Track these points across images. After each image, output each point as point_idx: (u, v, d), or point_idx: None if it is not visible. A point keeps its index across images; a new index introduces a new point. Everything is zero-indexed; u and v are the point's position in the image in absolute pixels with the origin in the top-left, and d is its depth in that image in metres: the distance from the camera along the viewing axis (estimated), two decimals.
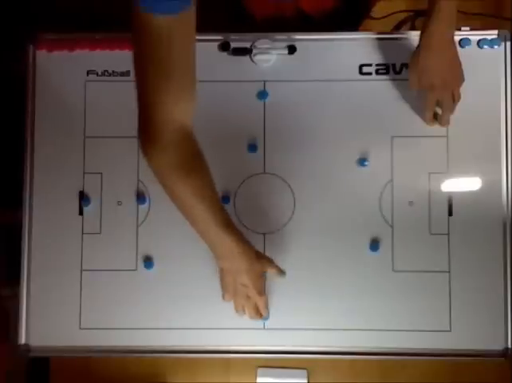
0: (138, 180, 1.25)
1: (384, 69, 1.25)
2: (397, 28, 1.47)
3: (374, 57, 1.26)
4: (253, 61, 1.26)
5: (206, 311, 1.22)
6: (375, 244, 1.22)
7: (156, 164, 0.99)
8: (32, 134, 1.26)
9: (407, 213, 1.23)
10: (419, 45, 1.15)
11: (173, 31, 0.86)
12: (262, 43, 1.26)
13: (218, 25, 1.27)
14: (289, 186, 1.25)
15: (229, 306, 1.18)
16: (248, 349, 1.23)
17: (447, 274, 1.22)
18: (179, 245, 1.23)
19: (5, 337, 1.37)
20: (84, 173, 1.26)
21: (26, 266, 1.24)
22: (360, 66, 1.25)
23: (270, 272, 1.15)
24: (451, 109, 1.20)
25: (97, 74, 1.27)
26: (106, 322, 1.24)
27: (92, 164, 1.26)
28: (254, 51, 1.25)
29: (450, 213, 1.22)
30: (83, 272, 1.24)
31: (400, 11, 1.48)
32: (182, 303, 1.23)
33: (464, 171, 1.24)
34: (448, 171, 1.23)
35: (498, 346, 1.20)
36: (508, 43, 1.24)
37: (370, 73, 1.25)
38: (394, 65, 1.25)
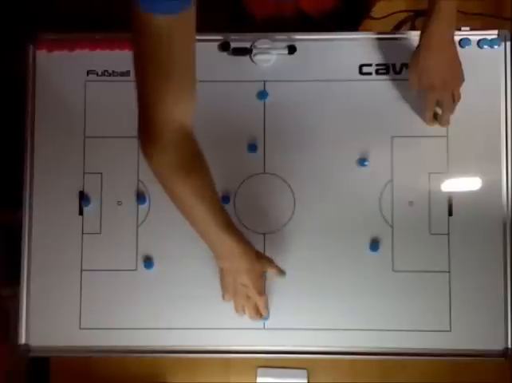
0: (138, 180, 1.25)
1: (384, 69, 1.25)
2: (397, 28, 1.47)
3: (374, 57, 1.26)
4: (253, 61, 1.26)
5: (206, 311, 1.22)
6: (375, 244, 1.22)
7: (156, 164, 0.99)
8: (32, 134, 1.26)
9: (407, 213, 1.23)
10: (419, 45, 1.15)
11: (173, 31, 0.86)
12: (262, 43, 1.26)
13: (218, 25, 1.27)
14: (289, 186, 1.25)
15: (229, 306, 1.18)
16: (248, 349, 1.23)
17: (447, 274, 1.22)
18: (179, 245, 1.23)
19: (5, 337, 1.37)
20: (84, 173, 1.26)
21: (26, 266, 1.24)
22: (360, 66, 1.25)
23: (270, 272, 1.15)
24: (451, 109, 1.20)
25: (97, 74, 1.27)
26: (106, 322, 1.24)
27: (92, 164, 1.26)
28: (254, 51, 1.25)
29: (450, 213, 1.22)
30: (83, 272, 1.24)
31: (400, 11, 1.48)
32: (182, 303, 1.23)
33: (464, 171, 1.24)
34: (448, 171, 1.23)
35: (498, 346, 1.20)
36: (508, 43, 1.24)
37: (370, 73, 1.25)
38: (394, 65, 1.25)
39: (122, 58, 1.23)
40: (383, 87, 1.25)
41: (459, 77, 1.17)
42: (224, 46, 1.26)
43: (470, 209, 1.22)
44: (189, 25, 0.88)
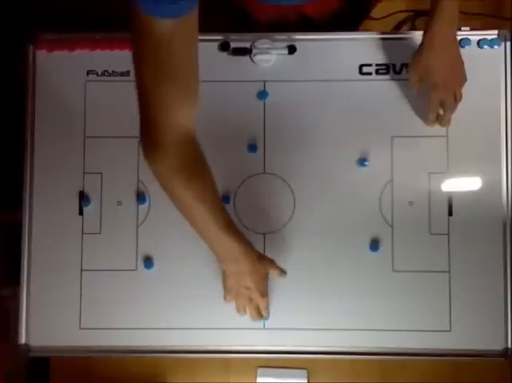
0: (138, 180, 1.25)
1: (384, 69, 1.25)
2: (397, 28, 1.47)
3: (374, 57, 1.26)
4: (253, 61, 1.26)
5: (206, 311, 1.22)
6: (375, 244, 1.22)
7: (158, 168, 0.99)
8: (32, 134, 1.26)
9: (407, 213, 1.23)
10: (421, 45, 1.15)
11: (175, 35, 0.84)
12: (262, 43, 1.26)
13: (220, 30, 1.27)
14: (289, 186, 1.25)
15: (229, 306, 1.18)
16: (248, 349, 1.23)
17: (447, 274, 1.22)
18: (179, 245, 1.23)
19: (5, 337, 1.37)
20: (84, 173, 1.26)
21: (26, 266, 1.24)
22: (360, 66, 1.25)
23: (272, 273, 1.15)
24: (453, 109, 1.20)
25: (97, 74, 1.27)
26: (106, 322, 1.24)
27: (92, 164, 1.26)
28: (254, 51, 1.25)
29: (450, 213, 1.22)
30: (83, 272, 1.24)
31: (400, 11, 1.48)
32: (182, 303, 1.23)
33: (464, 171, 1.24)
34: (448, 171, 1.23)
35: (498, 346, 1.21)
36: (508, 43, 1.24)
37: (370, 73, 1.25)
38: (394, 65, 1.25)
39: (122, 58, 1.23)
40: (383, 87, 1.25)
41: (462, 77, 1.17)
42: (224, 46, 1.26)
43: (470, 209, 1.22)
44: (191, 28, 0.87)
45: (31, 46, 1.27)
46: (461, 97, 1.19)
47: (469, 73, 1.17)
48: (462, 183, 1.23)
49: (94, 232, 1.25)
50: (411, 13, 1.47)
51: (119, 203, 1.25)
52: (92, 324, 1.24)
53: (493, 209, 1.22)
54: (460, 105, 1.20)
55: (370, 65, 1.25)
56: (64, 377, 1.31)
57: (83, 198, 1.25)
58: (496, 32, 1.25)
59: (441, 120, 1.22)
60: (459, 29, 1.23)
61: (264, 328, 1.23)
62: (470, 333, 1.21)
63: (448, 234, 1.22)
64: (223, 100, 1.25)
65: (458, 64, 1.16)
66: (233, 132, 1.25)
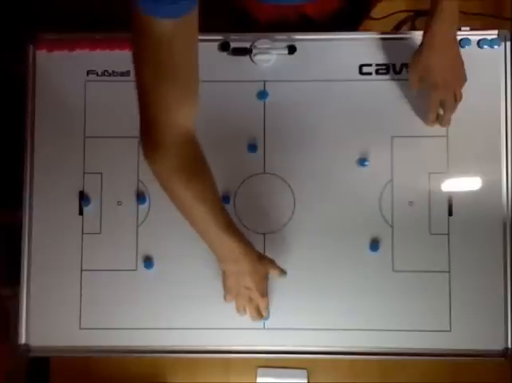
0: (138, 180, 1.25)
1: (384, 69, 1.25)
2: (397, 28, 1.47)
3: (374, 57, 1.26)
4: (253, 61, 1.26)
5: (206, 311, 1.22)
6: (375, 244, 1.22)
7: (158, 168, 0.99)
8: (32, 134, 1.26)
9: (407, 213, 1.23)
10: (421, 45, 1.15)
11: (175, 35, 0.84)
12: (262, 43, 1.26)
13: (220, 30, 1.27)
14: (289, 186, 1.25)
15: (229, 306, 1.18)
16: (248, 349, 1.23)
17: (447, 274, 1.22)
18: (179, 245, 1.23)
19: (5, 337, 1.37)
20: (84, 173, 1.26)
21: (26, 266, 1.24)
22: (360, 66, 1.25)
23: (272, 273, 1.15)
24: (453, 109, 1.20)
25: (97, 74, 1.27)
26: (106, 322, 1.24)
27: (92, 164, 1.26)
28: (254, 51, 1.25)
29: (450, 213, 1.22)
30: (83, 272, 1.24)
31: (400, 11, 1.48)
32: (182, 303, 1.23)
33: (464, 171, 1.24)
34: (448, 171, 1.23)
35: (498, 346, 1.20)
36: (508, 43, 1.24)
37: (370, 73, 1.25)
38: (394, 65, 1.25)
39: (122, 58, 1.23)
40: (383, 87, 1.25)
41: (462, 77, 1.17)
42: (224, 46, 1.26)
43: (470, 209, 1.22)
44: (191, 28, 0.87)
45: (31, 46, 1.27)
46: (461, 97, 1.19)
47: (469, 73, 1.17)
48: (462, 183, 1.23)
49: (94, 232, 1.25)
50: (411, 13, 1.47)
51: (119, 203, 1.25)
52: (92, 324, 1.24)
53: (493, 209, 1.22)
54: (460, 105, 1.20)
55: (370, 65, 1.25)
56: (65, 377, 1.31)
57: (83, 198, 1.25)
58: (496, 32, 1.25)
59: (441, 120, 1.22)
60: (459, 29, 1.23)
61: (264, 328, 1.23)
62: (470, 333, 1.21)
63: (448, 234, 1.22)
64: (223, 100, 1.25)
65: (458, 64, 1.16)
66: (233, 132, 1.25)
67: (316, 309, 1.22)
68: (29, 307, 1.24)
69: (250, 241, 1.11)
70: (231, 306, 1.18)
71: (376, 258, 1.22)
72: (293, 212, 1.24)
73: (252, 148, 1.25)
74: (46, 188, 1.25)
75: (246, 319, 1.19)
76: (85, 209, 1.25)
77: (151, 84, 0.89)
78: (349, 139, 1.24)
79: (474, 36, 1.25)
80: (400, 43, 1.26)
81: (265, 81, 1.26)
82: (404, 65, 1.24)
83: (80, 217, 1.25)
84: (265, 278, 1.15)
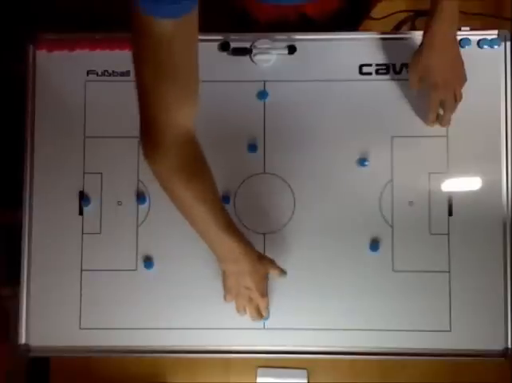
0: (138, 180, 1.25)
1: (384, 69, 1.25)
2: (397, 28, 1.47)
3: (374, 57, 1.26)
4: (253, 61, 1.26)
5: (206, 311, 1.22)
6: (375, 244, 1.22)
7: (158, 168, 0.99)
8: (32, 134, 1.26)
9: (407, 213, 1.23)
10: (421, 45, 1.15)
11: (175, 35, 0.83)
12: (262, 43, 1.26)
13: (220, 30, 1.27)
14: (289, 186, 1.25)
15: (229, 306, 1.18)
16: (248, 349, 1.23)
17: (447, 274, 1.22)
18: (179, 245, 1.23)
19: (5, 337, 1.37)
20: (84, 173, 1.26)
21: (26, 266, 1.24)
22: (360, 66, 1.25)
23: (272, 273, 1.15)
24: (453, 109, 1.20)
25: (97, 74, 1.27)
26: (106, 322, 1.24)
27: (92, 164, 1.26)
28: (254, 51, 1.25)
29: (450, 213, 1.22)
30: (83, 272, 1.24)
31: (400, 11, 1.48)
32: (182, 303, 1.23)
33: (464, 171, 1.24)
34: (448, 171, 1.23)
35: (498, 346, 1.20)
36: (508, 43, 1.24)
37: (370, 73, 1.25)
38: (394, 65, 1.25)
39: (122, 58, 1.23)
40: (383, 87, 1.25)
41: (462, 77, 1.17)
42: (224, 46, 1.26)
43: (470, 209, 1.22)
44: (191, 28, 0.87)
45: (31, 46, 1.27)
46: (461, 97, 1.19)
47: (469, 73, 1.17)
48: (462, 183, 1.23)
49: (94, 232, 1.25)
50: (411, 13, 1.47)
51: (119, 203, 1.25)
52: (92, 324, 1.24)
53: (493, 209, 1.22)
54: (460, 105, 1.20)
55: (370, 65, 1.25)
56: (65, 377, 1.31)
57: (83, 198, 1.25)
58: (496, 32, 1.25)
59: (441, 120, 1.22)
60: (459, 29, 1.23)
61: (264, 328, 1.23)
62: (470, 333, 1.21)
63: (448, 234, 1.22)
64: (223, 100, 1.25)
65: (458, 64, 1.16)
66: (233, 132, 1.25)
67: (316, 309, 1.22)
68: (29, 307, 1.24)
69: (250, 241, 1.10)
70: (231, 306, 1.18)
71: (376, 258, 1.22)
72: (293, 212, 1.24)
73: (252, 148, 1.25)
74: (46, 188, 1.25)
75: (246, 319, 1.19)
76: (85, 209, 1.25)
77: (151, 84, 0.89)
78: (349, 139, 1.24)
79: (474, 36, 1.25)
80: (400, 43, 1.26)
81: (265, 81, 1.26)
82: (404, 65, 1.24)
83: (80, 217, 1.25)
84: (265, 278, 1.15)
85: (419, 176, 1.24)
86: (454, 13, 1.11)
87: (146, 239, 1.24)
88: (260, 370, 1.29)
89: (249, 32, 1.27)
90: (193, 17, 0.85)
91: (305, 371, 1.29)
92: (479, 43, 1.24)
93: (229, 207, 1.22)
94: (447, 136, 1.24)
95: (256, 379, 1.29)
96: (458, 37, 1.21)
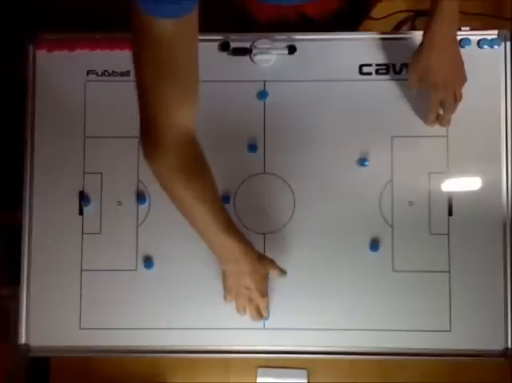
0: (138, 180, 1.25)
1: (384, 69, 1.25)
2: (397, 28, 1.47)
3: (374, 57, 1.26)
4: (253, 61, 1.26)
5: (206, 311, 1.22)
6: (375, 244, 1.22)
7: (158, 168, 0.99)
8: (32, 134, 1.26)
9: (407, 213, 1.23)
10: (421, 45, 1.15)
11: (175, 35, 0.83)
12: (262, 43, 1.26)
13: (220, 30, 1.27)
14: (289, 186, 1.25)
15: (229, 306, 1.18)
16: (248, 349, 1.23)
17: (447, 274, 1.22)
18: (179, 245, 1.23)
19: (5, 337, 1.37)
20: (84, 173, 1.26)
21: (26, 266, 1.24)
22: (360, 66, 1.25)
23: (272, 273, 1.15)
24: (453, 109, 1.20)
25: (97, 74, 1.27)
26: (106, 322, 1.24)
27: (92, 164, 1.26)
28: (254, 51, 1.25)
29: (450, 213, 1.22)
30: (83, 272, 1.24)
31: (400, 11, 1.48)
32: (182, 303, 1.23)
33: (464, 171, 1.24)
34: (448, 171, 1.23)
35: (498, 346, 1.21)
36: (508, 43, 1.24)
37: (370, 73, 1.25)
38: (394, 65, 1.25)
39: (122, 58, 1.23)
40: (383, 87, 1.25)
41: (462, 77, 1.17)
42: (224, 46, 1.26)
43: (470, 209, 1.22)
44: (191, 28, 0.86)
45: (31, 46, 1.27)
46: (461, 97, 1.19)
47: (469, 73, 1.17)
48: (462, 183, 1.23)
49: (94, 232, 1.25)
50: (411, 13, 1.47)
51: (119, 203, 1.25)
52: (92, 324, 1.24)
53: (493, 209, 1.22)
54: (460, 105, 1.20)
55: (370, 65, 1.25)
56: (65, 377, 1.31)
57: (83, 198, 1.25)
58: (496, 32, 1.25)
59: (441, 120, 1.22)
60: (459, 29, 1.23)
61: (264, 328, 1.23)
62: (470, 333, 1.21)
63: (448, 234, 1.22)
64: (223, 100, 1.25)
65: (458, 64, 1.16)
66: (233, 132, 1.25)
67: (316, 309, 1.22)
68: (29, 307, 1.24)
69: (250, 241, 1.10)
70: (231, 306, 1.18)
71: (376, 258, 1.22)
72: (293, 212, 1.24)
73: (252, 148, 1.25)
74: (46, 188, 1.25)
75: (246, 319, 1.19)
76: (85, 209, 1.25)
77: (151, 85, 0.89)
78: (349, 139, 1.24)
79: (474, 36, 1.25)
80: (400, 43, 1.26)
81: (265, 81, 1.26)
82: (404, 65, 1.24)
83: (80, 217, 1.25)
84: (265, 278, 1.15)
85: (419, 176, 1.24)
86: (454, 13, 1.11)
87: (146, 239, 1.24)
88: (260, 370, 1.29)
89: (249, 32, 1.27)
90: (193, 17, 0.85)
91: (305, 371, 1.29)
92: (479, 43, 1.24)
93: (229, 207, 1.22)
94: (447, 136, 1.24)
95: (256, 379, 1.29)
96: (458, 37, 1.21)
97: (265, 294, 1.15)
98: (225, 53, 1.27)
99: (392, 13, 1.47)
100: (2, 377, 1.40)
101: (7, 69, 1.47)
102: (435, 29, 1.11)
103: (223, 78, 1.26)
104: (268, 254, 1.19)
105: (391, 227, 1.23)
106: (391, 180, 1.24)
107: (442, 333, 1.21)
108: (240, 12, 1.34)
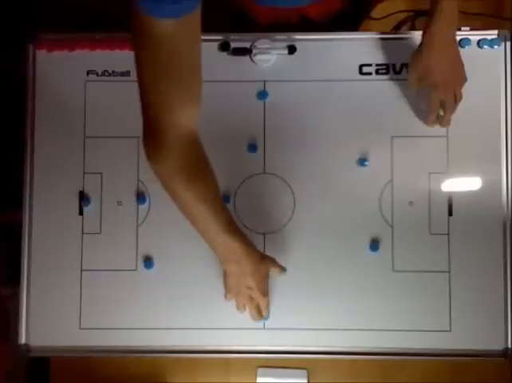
0: (138, 180, 1.25)
1: (384, 69, 1.25)
2: (397, 28, 1.47)
3: (374, 57, 1.26)
4: (253, 61, 1.26)
5: (206, 311, 1.22)
6: (375, 244, 1.22)
7: (160, 168, 0.98)
8: (32, 134, 1.26)
9: (407, 213, 1.23)
10: (420, 45, 1.15)
11: (176, 35, 0.83)
12: (262, 43, 1.26)
13: (220, 30, 1.27)
14: (289, 186, 1.25)
15: (229, 306, 1.18)
16: (248, 349, 1.23)
17: (447, 274, 1.22)
18: (179, 245, 1.23)
19: (5, 337, 1.37)
20: (84, 173, 1.26)
21: (26, 266, 1.24)
22: (360, 66, 1.25)
23: (273, 271, 1.15)
24: (453, 109, 1.20)
25: (97, 74, 1.27)
26: (106, 322, 1.24)
27: (92, 164, 1.26)
28: (254, 51, 1.25)
29: (450, 213, 1.22)
30: (83, 272, 1.24)
31: (400, 11, 1.48)
32: (182, 303, 1.23)
33: (464, 171, 1.24)
34: (448, 171, 1.23)
35: (498, 346, 1.21)
36: (508, 43, 1.24)
37: (370, 73, 1.25)
38: (394, 65, 1.25)
39: (122, 58, 1.23)
40: (383, 87, 1.25)
41: (461, 77, 1.17)
42: (224, 46, 1.26)
43: (470, 209, 1.22)
44: (193, 28, 0.86)
45: (31, 46, 1.27)
46: (461, 97, 1.19)
47: (469, 73, 1.17)
48: (462, 183, 1.23)
49: (94, 232, 1.25)
50: (411, 13, 1.47)
51: (119, 203, 1.25)
52: (92, 324, 1.24)
53: (493, 209, 1.22)
54: (460, 105, 1.20)
55: (370, 65, 1.25)
56: (65, 377, 1.31)
57: (83, 198, 1.25)
58: (496, 32, 1.25)
59: (441, 120, 1.22)
60: (459, 29, 1.23)
61: (264, 328, 1.23)
62: (470, 333, 1.21)
63: (448, 234, 1.22)
64: (223, 100, 1.25)
65: (458, 64, 1.16)
66: (233, 132, 1.25)
67: (316, 309, 1.22)
68: (29, 307, 1.24)
69: (252, 241, 1.10)
70: (231, 306, 1.18)
71: (376, 258, 1.22)
72: (293, 212, 1.24)
73: (252, 148, 1.25)
74: (46, 188, 1.25)
75: (246, 319, 1.19)
76: (85, 209, 1.25)
77: (151, 85, 0.89)
78: (349, 139, 1.24)
79: (474, 36, 1.25)
80: (400, 43, 1.26)
81: (265, 81, 1.26)
82: (404, 65, 1.24)
83: (80, 217, 1.25)
84: (266, 278, 1.15)
85: (419, 176, 1.24)
86: (454, 13, 1.11)
87: (146, 239, 1.24)
88: (260, 370, 1.29)
89: (249, 32, 1.27)
90: (195, 17, 0.85)
91: (305, 371, 1.29)
92: (479, 43, 1.24)
93: (229, 207, 1.21)
94: (447, 136, 1.24)
95: (256, 379, 1.29)
96: (458, 37, 1.22)
97: (266, 293, 1.15)
98: (225, 53, 1.27)
99: (392, 13, 1.47)
100: (2, 377, 1.40)
101: (7, 69, 1.47)
102: (435, 29, 1.11)
103: (223, 78, 1.26)
104: (268, 254, 1.18)
105: (391, 227, 1.23)
106: (391, 180, 1.24)
107: (442, 333, 1.21)
108: (240, 13, 1.33)
